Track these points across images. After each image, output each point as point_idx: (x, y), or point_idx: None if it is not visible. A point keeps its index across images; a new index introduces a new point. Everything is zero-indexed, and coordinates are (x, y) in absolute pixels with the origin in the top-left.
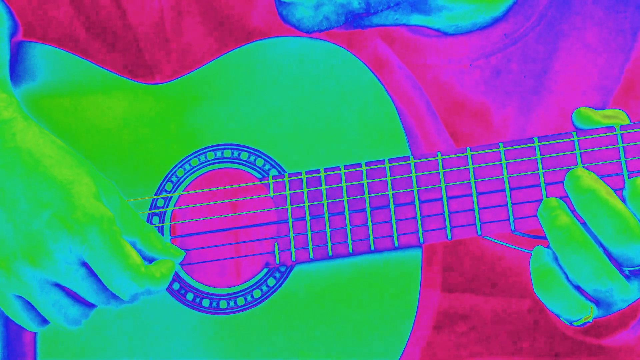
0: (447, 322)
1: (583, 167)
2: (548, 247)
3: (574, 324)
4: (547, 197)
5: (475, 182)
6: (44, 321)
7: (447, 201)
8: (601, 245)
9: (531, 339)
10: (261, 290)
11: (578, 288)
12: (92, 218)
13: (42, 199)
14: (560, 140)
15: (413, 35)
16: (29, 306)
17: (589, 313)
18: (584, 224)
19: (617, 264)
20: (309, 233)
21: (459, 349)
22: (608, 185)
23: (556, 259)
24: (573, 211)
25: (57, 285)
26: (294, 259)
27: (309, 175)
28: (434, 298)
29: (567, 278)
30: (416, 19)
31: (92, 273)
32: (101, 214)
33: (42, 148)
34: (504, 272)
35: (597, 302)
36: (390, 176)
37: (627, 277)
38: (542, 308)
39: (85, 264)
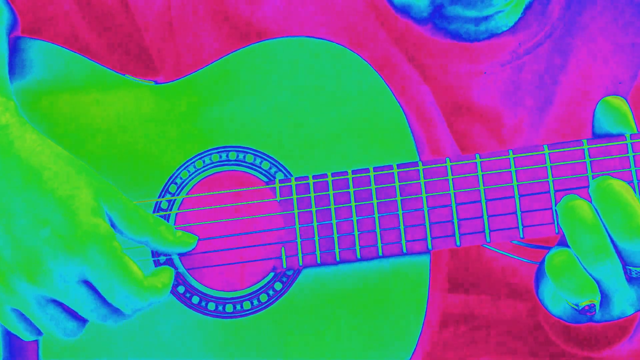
0: (447, 323)
1: (593, 175)
2: None
3: (580, 305)
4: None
5: (484, 189)
6: (40, 332)
7: (456, 208)
8: (610, 237)
9: (530, 341)
10: (268, 294)
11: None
12: (91, 236)
13: (41, 215)
14: (570, 148)
15: (426, 41)
16: (25, 318)
17: (595, 297)
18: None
19: (623, 262)
20: (317, 238)
21: (459, 349)
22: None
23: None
24: (590, 201)
25: (54, 301)
26: (301, 263)
27: (316, 180)
28: (439, 301)
29: (577, 259)
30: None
31: (91, 291)
32: (100, 232)
33: (41, 158)
34: (504, 274)
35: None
36: (399, 182)
37: (629, 280)
38: (541, 309)
39: (84, 282)
